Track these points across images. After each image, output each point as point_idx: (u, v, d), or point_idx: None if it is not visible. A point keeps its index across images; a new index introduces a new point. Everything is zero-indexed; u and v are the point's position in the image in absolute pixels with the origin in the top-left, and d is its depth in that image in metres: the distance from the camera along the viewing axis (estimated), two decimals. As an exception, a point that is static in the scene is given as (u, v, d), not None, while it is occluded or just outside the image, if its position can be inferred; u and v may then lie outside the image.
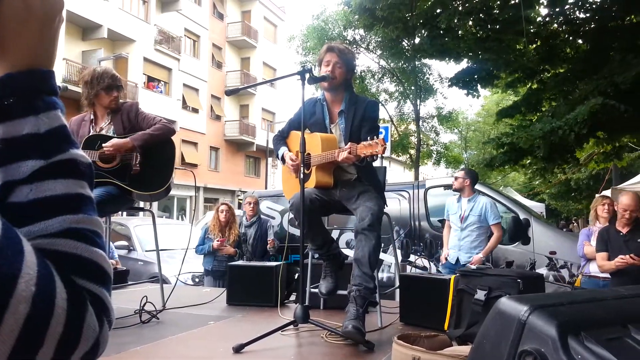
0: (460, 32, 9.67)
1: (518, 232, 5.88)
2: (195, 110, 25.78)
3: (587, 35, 9.53)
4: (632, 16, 8.95)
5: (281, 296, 3.58)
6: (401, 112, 20.97)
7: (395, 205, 6.42)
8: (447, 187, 6.65)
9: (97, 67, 3.27)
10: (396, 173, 35.52)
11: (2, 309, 0.44)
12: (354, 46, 18.19)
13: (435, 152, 22.19)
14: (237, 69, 28.99)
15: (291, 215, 2.96)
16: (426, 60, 16.47)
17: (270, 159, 27.57)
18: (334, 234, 6.24)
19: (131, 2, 21.82)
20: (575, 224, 25.36)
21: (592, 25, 9.39)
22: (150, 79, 22.89)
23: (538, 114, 10.27)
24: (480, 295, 2.41)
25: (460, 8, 9.37)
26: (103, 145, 3.04)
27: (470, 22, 9.70)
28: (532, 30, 9.45)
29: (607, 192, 8.75)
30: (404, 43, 13.74)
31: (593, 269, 4.47)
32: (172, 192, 3.79)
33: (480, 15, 9.44)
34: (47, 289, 0.48)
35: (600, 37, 8.91)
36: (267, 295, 3.56)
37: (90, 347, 0.52)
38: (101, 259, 0.56)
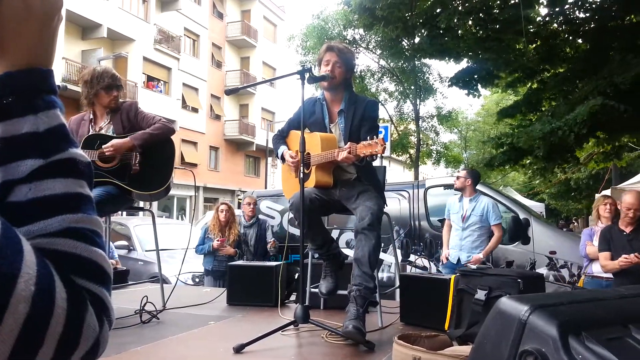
0: (460, 31, 9.67)
1: (518, 232, 5.88)
2: (194, 110, 25.78)
3: (587, 35, 9.53)
4: (632, 16, 8.95)
5: (281, 296, 3.58)
6: (401, 111, 20.98)
7: (395, 205, 6.42)
8: (447, 186, 6.66)
9: (97, 67, 3.27)
10: (396, 173, 35.53)
11: (2, 309, 0.44)
12: (354, 46, 18.18)
13: (435, 152, 22.20)
14: (237, 68, 28.99)
15: (291, 215, 2.96)
16: (426, 60, 16.47)
17: (270, 159, 27.57)
18: (334, 233, 6.24)
19: (131, 2, 21.81)
20: (575, 223, 25.38)
21: (592, 25, 9.39)
22: (149, 79, 22.90)
23: (538, 113, 10.27)
24: (481, 295, 2.41)
25: (460, 8, 9.37)
26: (103, 146, 3.04)
27: (470, 22, 9.70)
28: (531, 30, 9.46)
29: (607, 192, 8.75)
30: (403, 43, 13.74)
31: (596, 269, 4.44)
32: (172, 192, 3.79)
33: (480, 14, 9.44)
34: (46, 288, 0.48)
35: (600, 36, 8.91)
36: (267, 295, 3.56)
37: (90, 347, 0.52)
38: (101, 258, 0.56)
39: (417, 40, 12.08)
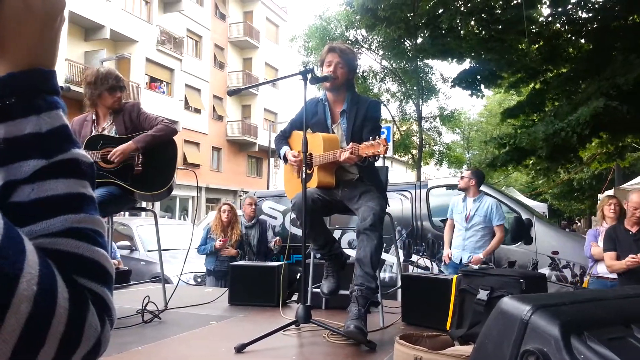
0: (462, 32, 9.66)
1: (520, 232, 5.87)
2: (197, 111, 25.81)
3: (589, 35, 9.51)
4: (635, 16, 8.93)
5: (283, 296, 3.58)
6: (403, 112, 20.95)
7: (398, 205, 6.42)
8: (450, 187, 6.66)
9: (100, 68, 3.28)
10: (398, 173, 35.52)
11: (4, 309, 0.44)
12: (356, 46, 18.18)
13: (438, 152, 22.17)
14: (239, 69, 29.02)
15: (293, 215, 2.96)
16: (428, 61, 16.46)
17: (272, 159, 27.59)
18: (336, 234, 6.24)
19: (133, 3, 21.85)
20: (579, 224, 25.32)
21: (595, 25, 9.37)
22: (152, 80, 22.93)
23: (541, 114, 10.26)
24: (483, 295, 2.40)
25: (462, 8, 9.37)
26: (109, 156, 3.04)
27: (472, 22, 9.69)
28: (534, 30, 9.44)
29: (610, 192, 8.73)
30: (406, 43, 13.72)
31: (601, 269, 4.42)
32: (174, 193, 3.79)
33: (482, 15, 9.43)
34: (48, 288, 0.48)
35: (602, 37, 8.89)
36: (269, 295, 3.57)
37: (91, 347, 0.52)
38: (103, 258, 0.56)
39: (419, 40, 12.06)
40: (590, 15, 9.46)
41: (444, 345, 2.23)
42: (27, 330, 0.46)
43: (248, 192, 8.73)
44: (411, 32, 11.37)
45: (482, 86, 10.60)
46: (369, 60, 31.60)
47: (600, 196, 10.12)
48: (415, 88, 18.52)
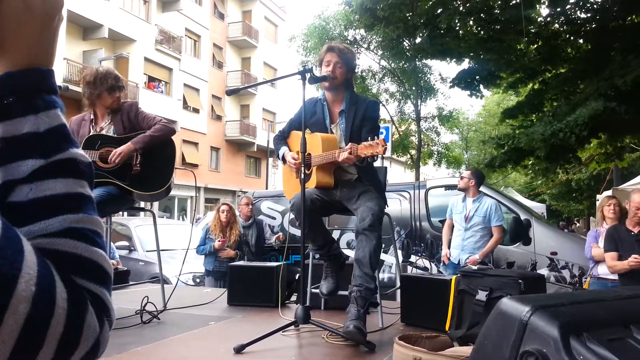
0: (460, 32, 9.67)
1: (519, 232, 5.88)
2: (195, 110, 25.80)
3: (588, 35, 9.54)
4: (633, 16, 8.95)
5: (282, 297, 3.58)
6: (402, 112, 20.96)
7: (396, 205, 6.42)
8: (448, 187, 6.66)
9: (99, 68, 3.27)
10: (397, 173, 35.54)
11: (2, 309, 0.44)
12: (355, 46, 18.18)
13: (436, 153, 22.18)
14: (238, 69, 29.01)
15: (292, 216, 2.96)
16: (427, 61, 16.47)
17: (270, 159, 27.58)
18: (335, 234, 6.24)
19: (132, 2, 21.84)
20: (577, 224, 25.36)
21: (593, 25, 9.39)
22: (150, 79, 22.92)
23: (540, 114, 10.27)
24: (482, 295, 2.41)
25: (460, 8, 9.38)
26: (109, 159, 3.03)
27: (471, 22, 9.70)
28: (533, 31, 9.46)
29: (608, 193, 8.74)
30: (404, 43, 13.74)
31: (601, 270, 4.41)
32: (173, 193, 3.79)
33: (481, 15, 9.45)
34: (47, 288, 0.48)
35: (601, 37, 8.91)
36: (268, 296, 3.56)
37: (90, 348, 0.52)
38: (101, 258, 0.56)
39: (418, 40, 12.08)
40: (588, 15, 9.48)
41: (443, 346, 2.23)
42: (25, 331, 0.45)
43: (247, 192, 8.73)
44: (410, 32, 11.39)
45: (481, 86, 10.62)
46: (367, 60, 31.62)
47: (598, 197, 10.13)
48: (413, 88, 18.53)
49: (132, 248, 7.25)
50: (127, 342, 2.52)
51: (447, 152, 22.98)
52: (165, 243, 5.78)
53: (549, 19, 9.86)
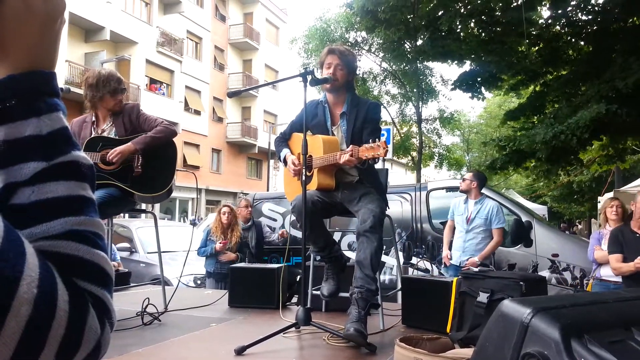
0: (462, 34, 9.67)
1: (520, 234, 5.87)
2: (197, 112, 25.82)
3: (589, 38, 9.53)
4: (635, 18, 8.95)
5: (283, 298, 3.57)
6: (403, 114, 20.96)
7: (397, 207, 6.41)
8: (449, 189, 6.65)
9: (101, 70, 3.27)
10: (398, 175, 35.53)
11: (4, 312, 0.44)
12: (356, 48, 18.19)
13: (437, 155, 22.17)
14: (239, 71, 29.04)
15: (293, 218, 2.96)
16: (428, 63, 16.47)
17: (272, 161, 27.60)
18: (336, 236, 6.24)
19: (133, 4, 21.88)
20: (579, 226, 25.32)
21: (595, 28, 9.39)
22: (152, 81, 22.95)
23: (541, 116, 10.27)
24: (483, 297, 2.40)
25: (461, 10, 9.38)
26: (108, 156, 3.04)
27: (472, 24, 9.71)
28: (534, 33, 9.45)
29: (610, 195, 8.73)
30: (406, 45, 13.75)
31: (604, 272, 4.39)
32: (174, 194, 3.79)
33: (482, 17, 9.45)
34: (48, 291, 0.48)
35: (602, 39, 8.90)
36: (269, 298, 3.56)
37: (91, 350, 0.52)
38: (103, 261, 0.56)
39: (419, 42, 12.08)
40: (589, 17, 9.47)
41: (444, 347, 2.23)
42: (27, 333, 0.46)
43: (248, 193, 8.73)
44: (411, 34, 11.39)
45: (483, 88, 10.61)
46: (369, 62, 31.61)
47: (600, 199, 10.12)
48: (415, 90, 18.53)
49: (133, 250, 7.25)
50: (128, 343, 2.52)
51: (448, 154, 22.96)
52: (167, 245, 5.78)
53: (550, 21, 9.86)
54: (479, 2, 9.35)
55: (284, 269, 3.61)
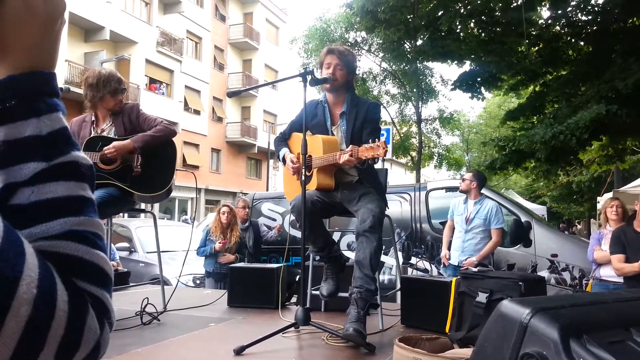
0: (461, 34, 9.67)
1: (520, 234, 5.87)
2: (196, 112, 25.81)
3: (589, 38, 9.53)
4: (634, 18, 8.95)
5: (282, 298, 3.58)
6: (403, 114, 20.97)
7: (397, 207, 6.42)
8: (449, 189, 6.66)
9: (101, 70, 3.27)
10: (397, 175, 35.53)
11: (4, 312, 0.44)
12: (356, 48, 18.19)
13: (437, 155, 22.18)
14: (239, 70, 29.04)
15: (292, 217, 2.96)
16: (428, 63, 16.47)
17: (271, 161, 27.60)
18: (335, 236, 6.24)
19: (133, 4, 21.87)
20: (578, 226, 25.33)
21: (594, 28, 9.39)
22: (152, 81, 22.94)
23: (541, 116, 10.27)
24: (482, 297, 2.40)
25: (461, 10, 9.38)
26: (104, 148, 3.04)
27: (472, 24, 9.71)
28: (534, 33, 9.46)
29: (609, 195, 8.74)
30: (405, 45, 13.75)
31: (604, 272, 4.39)
32: (173, 194, 3.79)
33: (482, 17, 9.45)
34: (48, 291, 0.48)
35: (602, 39, 8.91)
36: (268, 297, 3.56)
37: (91, 350, 0.52)
38: (102, 261, 0.56)
39: (419, 42, 12.09)
40: (589, 17, 9.47)
41: (443, 347, 2.23)
42: (26, 333, 0.46)
43: (247, 193, 8.73)
44: (411, 34, 11.39)
45: (482, 88, 10.62)
46: (368, 62, 31.65)
47: (599, 199, 10.12)
48: (414, 90, 18.53)
49: (132, 249, 7.25)
50: (127, 343, 2.52)
51: (447, 154, 22.96)
52: (166, 244, 5.78)
53: (550, 21, 9.86)
54: (478, 2, 9.36)
55: (283, 269, 3.61)
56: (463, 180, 5.22)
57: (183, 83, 24.47)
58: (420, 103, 18.65)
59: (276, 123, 28.98)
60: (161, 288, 3.52)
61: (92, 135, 3.16)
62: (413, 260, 6.20)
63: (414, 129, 20.45)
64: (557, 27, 9.87)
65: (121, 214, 8.13)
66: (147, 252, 7.10)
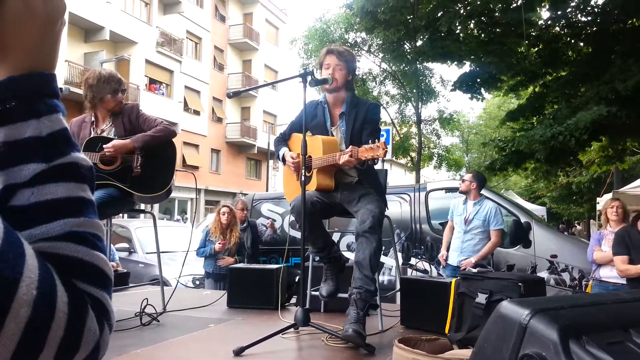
0: (461, 35, 9.68)
1: (519, 235, 5.87)
2: (196, 113, 25.81)
3: (588, 39, 9.54)
4: (634, 19, 8.96)
5: (282, 299, 3.58)
6: (403, 114, 20.98)
7: (396, 208, 6.42)
8: (448, 190, 6.66)
9: (101, 71, 3.27)
10: (397, 176, 35.52)
11: (4, 313, 0.44)
12: (356, 49, 18.21)
13: (437, 155, 22.19)
14: (239, 71, 29.04)
15: (292, 218, 2.96)
16: (428, 63, 16.48)
17: (271, 161, 27.60)
18: (335, 236, 6.24)
19: (133, 4, 21.87)
20: (578, 227, 25.33)
21: (594, 29, 9.40)
22: (152, 81, 22.93)
23: (541, 117, 10.28)
24: (481, 298, 2.40)
25: (461, 11, 9.39)
26: (104, 146, 3.04)
27: (472, 25, 9.71)
28: (533, 34, 9.46)
29: (609, 196, 8.74)
30: (405, 46, 13.76)
31: (603, 273, 4.39)
32: (173, 195, 3.79)
33: (482, 18, 9.46)
34: (48, 292, 0.48)
35: (601, 40, 8.91)
36: (267, 298, 3.56)
37: (90, 351, 0.52)
38: (102, 262, 0.56)
39: (418, 43, 12.09)
40: (589, 18, 9.48)
41: (442, 348, 2.24)
42: (26, 335, 0.46)
43: (247, 194, 8.73)
44: (410, 34, 11.39)
45: (482, 89, 10.62)
46: (368, 63, 31.70)
47: (599, 199, 10.13)
48: (414, 91, 18.55)
49: (132, 250, 7.25)
50: (127, 344, 2.52)
51: (447, 154, 22.99)
52: (165, 245, 5.77)
53: (549, 22, 9.87)
54: (478, 3, 9.36)
55: (283, 270, 3.61)
56: (463, 181, 5.22)
57: (183, 83, 24.47)
58: (420, 104, 18.68)
59: (276, 123, 28.99)
60: (161, 289, 3.52)
61: (91, 136, 3.16)
62: (413, 261, 6.20)
63: (414, 129, 20.47)
64: (557, 28, 9.88)
65: (121, 215, 8.13)
66: (147, 253, 7.09)
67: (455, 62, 10.64)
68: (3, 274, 0.45)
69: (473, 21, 9.62)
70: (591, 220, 19.15)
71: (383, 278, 6.15)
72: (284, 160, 3.03)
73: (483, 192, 5.24)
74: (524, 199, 20.36)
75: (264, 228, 6.53)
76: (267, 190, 22.16)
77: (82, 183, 0.58)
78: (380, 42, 14.58)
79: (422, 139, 19.28)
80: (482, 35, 9.82)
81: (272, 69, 30.87)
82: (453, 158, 24.23)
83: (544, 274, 5.49)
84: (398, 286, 3.37)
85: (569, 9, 9.48)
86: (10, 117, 0.55)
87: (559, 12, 9.51)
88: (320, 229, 2.98)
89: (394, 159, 23.10)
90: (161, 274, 3.61)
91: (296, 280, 3.85)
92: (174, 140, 3.28)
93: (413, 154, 20.02)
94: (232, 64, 29.12)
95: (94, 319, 0.52)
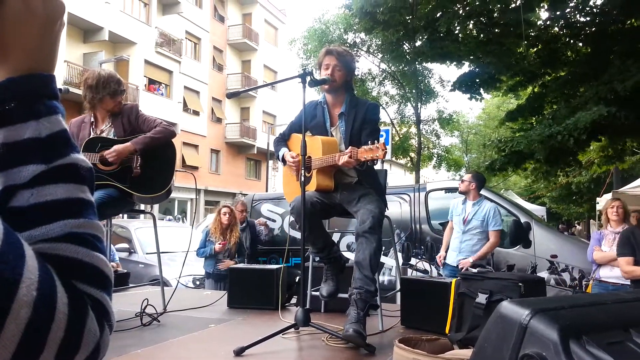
0: (460, 35, 9.69)
1: (519, 235, 5.87)
2: (196, 113, 25.81)
3: (587, 39, 9.55)
4: (633, 20, 8.97)
5: (282, 299, 3.58)
6: (402, 115, 20.98)
7: (396, 208, 6.42)
8: (448, 190, 6.66)
9: (101, 71, 3.27)
10: (397, 176, 35.53)
11: (4, 314, 0.44)
12: (355, 49, 18.21)
13: (436, 155, 22.19)
14: (238, 71, 29.03)
15: (292, 218, 2.96)
16: (427, 64, 16.49)
17: (271, 162, 27.60)
18: (335, 237, 6.23)
19: (132, 5, 21.86)
20: (578, 227, 25.34)
21: (593, 29, 9.41)
22: (151, 82, 22.93)
23: (540, 117, 10.29)
24: (482, 298, 2.40)
25: (460, 11, 9.40)
26: (105, 153, 3.04)
27: (471, 26, 9.72)
28: (532, 34, 9.48)
29: (608, 196, 8.75)
30: (404, 46, 13.76)
31: (603, 273, 4.39)
32: (173, 195, 3.79)
33: (481, 18, 9.47)
34: (48, 293, 0.48)
35: (600, 40, 8.93)
36: (268, 298, 3.56)
37: (90, 352, 0.52)
38: (102, 263, 0.56)
39: (418, 43, 12.10)
40: (588, 19, 9.50)
41: (443, 348, 2.24)
42: (26, 336, 0.46)
43: (247, 194, 8.73)
44: (410, 35, 11.41)
45: (481, 89, 10.63)
46: (367, 63, 31.79)
47: (598, 199, 10.13)
48: (414, 91, 18.55)
49: (132, 250, 7.24)
50: (127, 344, 2.52)
51: (447, 154, 22.99)
52: (166, 245, 5.77)
53: (548, 23, 9.88)
54: (477, 3, 9.37)
55: (283, 270, 3.61)
56: (462, 181, 5.21)
57: (182, 84, 24.47)
58: (419, 104, 18.68)
59: (275, 124, 28.99)
60: (161, 289, 3.52)
61: (91, 136, 3.16)
62: (413, 261, 6.20)
63: (413, 129, 20.47)
64: (556, 28, 9.89)
65: (121, 215, 8.12)
66: (147, 253, 7.09)
67: (455, 63, 10.66)
68: (3, 275, 0.45)
69: (472, 21, 9.63)
70: (591, 220, 19.15)
71: (383, 278, 6.15)
72: (283, 161, 3.03)
73: (482, 192, 5.24)
74: (524, 199, 20.37)
75: (261, 228, 6.54)
76: (266, 191, 22.17)
77: (81, 184, 0.58)
78: (380, 42, 14.59)
79: (422, 139, 19.28)
80: (481, 35, 9.83)
81: (272, 70, 30.87)
82: (452, 158, 24.24)
83: (544, 274, 5.49)
84: (398, 286, 3.37)
85: (568, 10, 9.49)
86: (10, 119, 0.55)
87: (558, 13, 9.52)
88: (320, 229, 2.98)
89: (393, 159, 23.12)
90: (161, 274, 3.61)
91: (296, 280, 3.86)
92: (173, 140, 3.28)
93: (412, 154, 20.03)
94: (231, 65, 29.11)
95: (94, 320, 0.52)
